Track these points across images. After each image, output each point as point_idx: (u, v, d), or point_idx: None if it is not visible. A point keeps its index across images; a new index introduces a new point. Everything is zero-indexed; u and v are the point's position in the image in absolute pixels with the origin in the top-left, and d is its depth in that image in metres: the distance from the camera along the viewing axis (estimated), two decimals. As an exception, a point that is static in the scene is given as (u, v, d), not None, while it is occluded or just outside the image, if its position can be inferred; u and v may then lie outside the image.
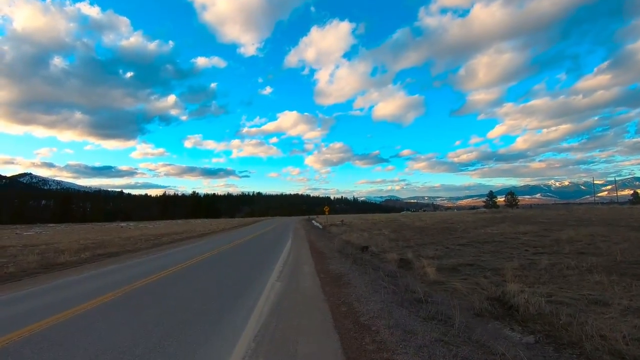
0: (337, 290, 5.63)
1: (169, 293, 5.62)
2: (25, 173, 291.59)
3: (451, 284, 5.88)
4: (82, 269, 8.82)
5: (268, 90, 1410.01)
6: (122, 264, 9.63)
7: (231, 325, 3.94)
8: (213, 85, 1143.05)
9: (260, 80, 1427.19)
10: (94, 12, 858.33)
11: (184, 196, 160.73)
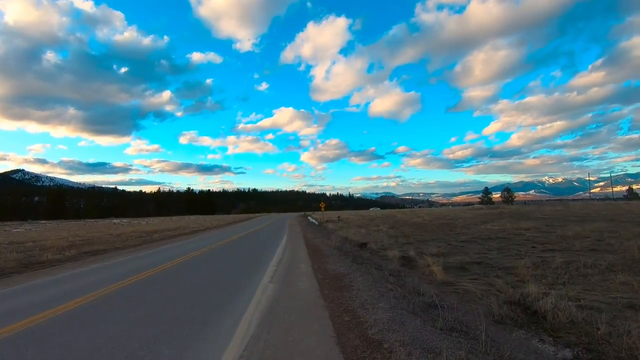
0: (338, 294, 4.97)
1: (147, 298, 4.98)
2: (17, 169, 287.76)
3: (461, 285, 5.35)
4: (61, 268, 8.22)
5: (264, 86, 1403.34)
6: (105, 262, 9.04)
7: (213, 342, 3.29)
8: (209, 81, 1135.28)
9: (256, 76, 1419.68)
10: (87, 6, 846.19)
11: (178, 193, 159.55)
